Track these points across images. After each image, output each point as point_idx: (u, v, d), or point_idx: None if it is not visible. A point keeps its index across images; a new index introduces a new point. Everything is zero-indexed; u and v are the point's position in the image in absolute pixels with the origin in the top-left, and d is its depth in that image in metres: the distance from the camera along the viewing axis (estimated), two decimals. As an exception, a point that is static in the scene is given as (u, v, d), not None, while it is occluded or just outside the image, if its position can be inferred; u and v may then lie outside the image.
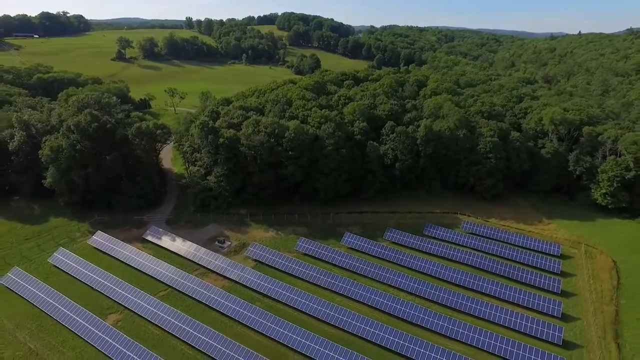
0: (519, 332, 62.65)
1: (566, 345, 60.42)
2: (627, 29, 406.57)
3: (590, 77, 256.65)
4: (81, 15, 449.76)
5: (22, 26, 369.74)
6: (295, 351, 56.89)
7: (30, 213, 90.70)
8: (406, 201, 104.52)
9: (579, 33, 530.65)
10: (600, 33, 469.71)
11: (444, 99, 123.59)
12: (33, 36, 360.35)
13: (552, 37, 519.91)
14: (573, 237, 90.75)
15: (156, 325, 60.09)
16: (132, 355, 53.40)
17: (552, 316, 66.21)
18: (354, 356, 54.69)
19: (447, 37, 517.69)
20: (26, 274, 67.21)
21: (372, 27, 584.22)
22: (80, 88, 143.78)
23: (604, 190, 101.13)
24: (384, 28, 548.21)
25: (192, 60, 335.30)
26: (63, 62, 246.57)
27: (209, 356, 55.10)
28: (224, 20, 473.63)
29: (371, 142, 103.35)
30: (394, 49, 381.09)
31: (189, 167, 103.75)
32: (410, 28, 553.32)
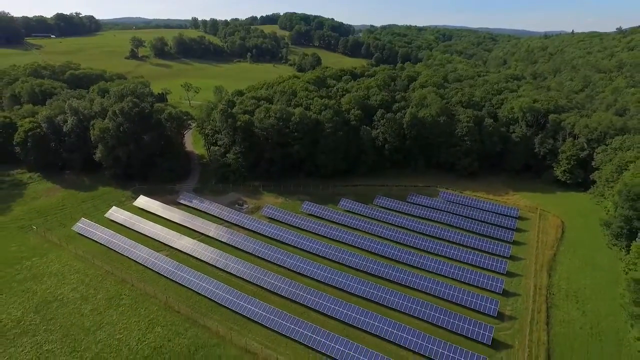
0: (473, 266, 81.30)
1: (509, 274, 79.12)
2: (617, 28, 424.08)
3: (575, 74, 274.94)
4: (92, 16, 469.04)
5: (39, 27, 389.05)
6: (303, 275, 75.66)
7: (82, 183, 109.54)
8: (394, 177, 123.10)
9: (572, 32, 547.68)
10: (592, 32, 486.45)
11: (429, 91, 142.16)
12: (50, 36, 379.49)
13: (546, 36, 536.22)
14: (532, 204, 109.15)
15: (196, 258, 78.84)
16: (182, 274, 72.03)
17: (502, 256, 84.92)
18: (343, 275, 73.56)
19: (444, 36, 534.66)
20: (92, 223, 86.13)
21: (371, 26, 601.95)
22: (108, 82, 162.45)
23: (563, 168, 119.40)
24: (383, 28, 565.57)
25: (199, 59, 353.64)
26: (82, 60, 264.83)
27: (240, 277, 73.79)
28: (229, 20, 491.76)
29: (364, 127, 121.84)
30: (391, 47, 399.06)
31: (209, 147, 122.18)
32: (409, 27, 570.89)
